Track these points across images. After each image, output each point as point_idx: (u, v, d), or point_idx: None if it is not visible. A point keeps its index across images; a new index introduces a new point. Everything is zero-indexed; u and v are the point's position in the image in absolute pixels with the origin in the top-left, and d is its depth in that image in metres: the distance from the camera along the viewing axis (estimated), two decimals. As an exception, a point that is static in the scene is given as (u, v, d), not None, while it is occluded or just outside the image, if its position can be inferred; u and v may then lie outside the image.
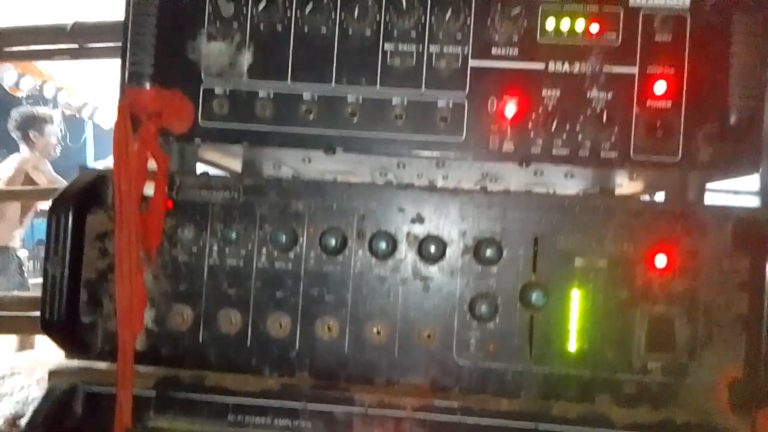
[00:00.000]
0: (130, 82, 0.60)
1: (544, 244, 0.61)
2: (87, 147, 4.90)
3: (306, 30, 0.63)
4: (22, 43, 1.88)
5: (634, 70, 0.62)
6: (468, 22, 0.62)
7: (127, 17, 0.62)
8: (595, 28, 0.62)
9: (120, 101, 0.61)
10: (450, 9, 0.62)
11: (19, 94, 3.63)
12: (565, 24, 0.62)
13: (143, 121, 0.61)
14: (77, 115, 4.32)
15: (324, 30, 0.63)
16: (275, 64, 0.63)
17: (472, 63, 0.63)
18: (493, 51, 0.63)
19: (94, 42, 1.85)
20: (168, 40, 0.63)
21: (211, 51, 0.63)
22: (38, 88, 3.77)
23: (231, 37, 0.63)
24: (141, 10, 0.61)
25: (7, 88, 3.64)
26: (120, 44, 0.64)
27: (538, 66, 0.62)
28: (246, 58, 0.63)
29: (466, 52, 0.63)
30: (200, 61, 0.63)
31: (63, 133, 3.69)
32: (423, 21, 0.63)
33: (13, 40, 1.89)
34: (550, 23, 0.62)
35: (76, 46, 1.86)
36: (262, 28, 0.63)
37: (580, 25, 0.62)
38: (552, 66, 0.62)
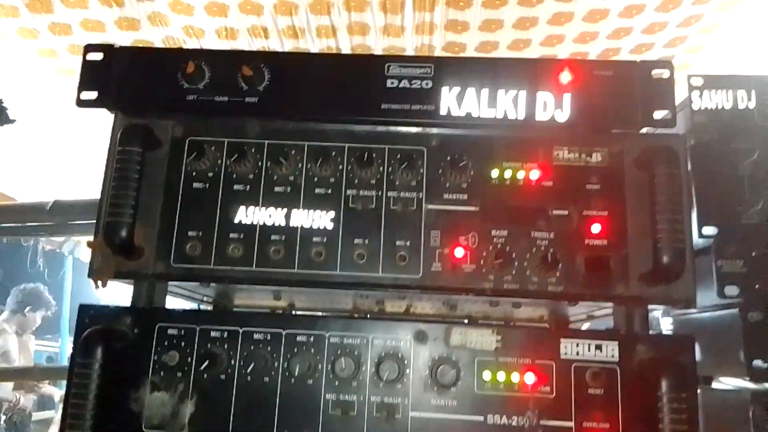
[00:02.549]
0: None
1: None
2: (65, 282, 4.90)
3: (248, 379, 0.64)
4: (4, 220, 1.93)
5: (570, 423, 0.63)
6: (407, 372, 0.64)
7: (71, 371, 0.62)
8: (529, 379, 0.64)
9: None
10: (396, 363, 0.63)
11: (-1, 233, 3.65)
12: (500, 376, 0.64)
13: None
14: (57, 250, 4.32)
15: (266, 379, 0.64)
16: (217, 414, 0.64)
17: (413, 414, 0.64)
18: (432, 401, 0.64)
19: (73, 219, 1.90)
20: (110, 390, 0.63)
21: (153, 402, 0.64)
22: (20, 224, 3.79)
23: (174, 387, 0.64)
24: (84, 361, 0.62)
25: (-12, 225, 3.67)
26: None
27: (477, 418, 0.63)
28: (188, 409, 0.64)
29: (406, 402, 0.64)
30: (142, 412, 0.64)
31: (42, 269, 3.74)
32: (362, 369, 0.64)
33: (-6, 218, 1.94)
34: (487, 375, 0.64)
35: (55, 223, 1.90)
36: (205, 377, 0.64)
37: (515, 377, 0.64)
38: (490, 418, 0.63)
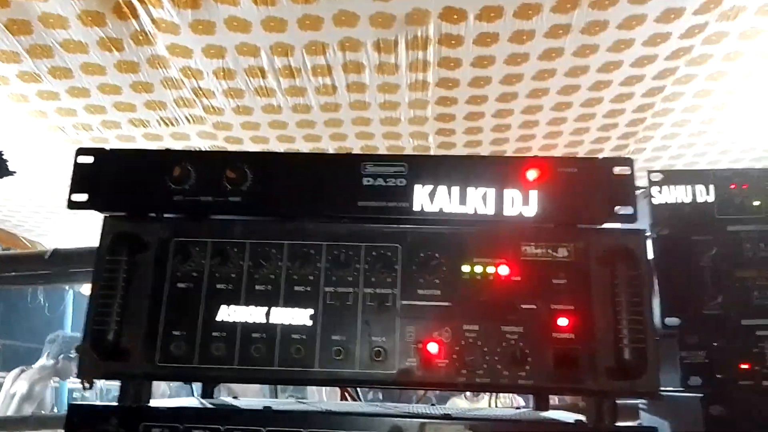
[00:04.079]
0: None
1: None
2: (66, 315, 4.94)
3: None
4: (3, 270, 1.97)
5: None
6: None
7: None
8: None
9: None
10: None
11: (2, 267, 3.73)
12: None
13: None
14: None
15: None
16: None
17: None
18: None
19: (72, 268, 1.94)
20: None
21: (139, 500, 0.66)
22: (23, 257, 3.88)
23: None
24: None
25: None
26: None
27: None
28: (173, 507, 0.66)
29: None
30: None
31: (43, 303, 3.80)
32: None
33: (-5, 266, 1.98)
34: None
35: (53, 272, 1.94)
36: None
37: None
38: None
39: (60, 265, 1.88)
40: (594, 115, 2.60)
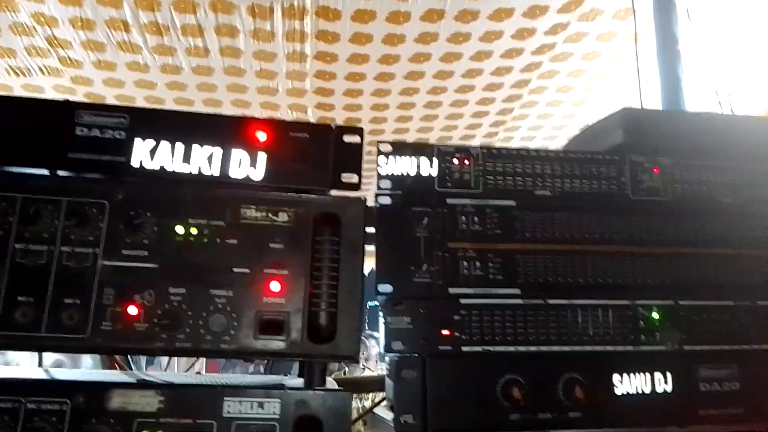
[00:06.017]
0: None
1: None
2: None
3: None
4: None
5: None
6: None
7: None
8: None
9: None
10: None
11: None
12: (159, 435, 0.64)
13: None
14: None
15: None
16: None
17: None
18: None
19: None
20: None
21: None
22: None
23: None
24: None
25: None
26: None
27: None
28: None
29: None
30: None
31: None
32: None
33: None
34: (145, 434, 0.64)
35: None
36: None
37: (174, 437, 0.64)
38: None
39: None
40: (467, 101, 2.67)
